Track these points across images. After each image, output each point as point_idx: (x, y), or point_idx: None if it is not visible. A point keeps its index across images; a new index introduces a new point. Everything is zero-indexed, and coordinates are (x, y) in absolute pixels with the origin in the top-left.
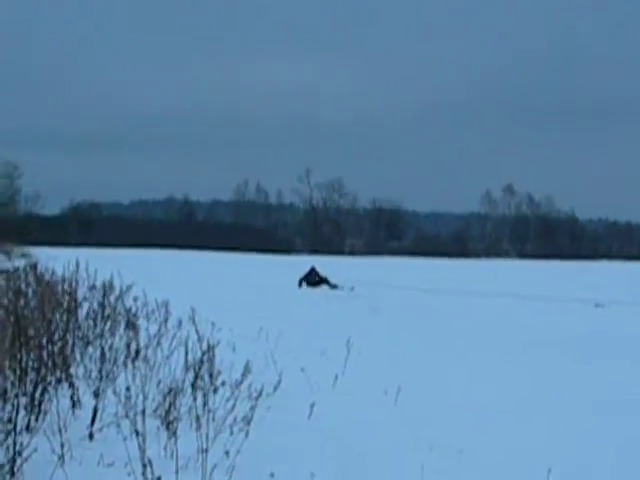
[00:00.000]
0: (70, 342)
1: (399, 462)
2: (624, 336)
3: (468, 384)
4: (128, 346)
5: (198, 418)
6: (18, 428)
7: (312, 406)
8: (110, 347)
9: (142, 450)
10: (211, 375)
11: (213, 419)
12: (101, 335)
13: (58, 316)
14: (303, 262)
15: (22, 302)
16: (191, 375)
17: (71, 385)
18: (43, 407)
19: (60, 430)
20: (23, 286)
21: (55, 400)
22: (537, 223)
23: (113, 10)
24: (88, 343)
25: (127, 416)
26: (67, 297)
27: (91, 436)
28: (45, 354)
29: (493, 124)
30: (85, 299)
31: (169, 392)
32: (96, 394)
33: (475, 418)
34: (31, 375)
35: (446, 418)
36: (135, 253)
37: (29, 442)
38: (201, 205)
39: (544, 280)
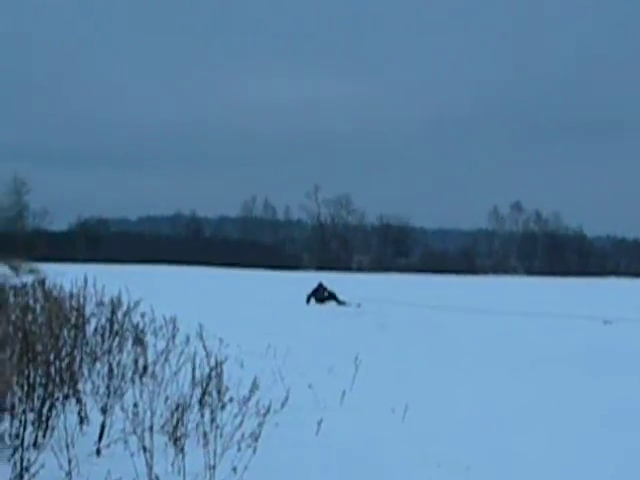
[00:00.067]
0: (78, 358)
1: (407, 479)
2: (632, 352)
3: (476, 401)
4: (136, 362)
5: (206, 434)
6: (25, 444)
7: (320, 423)
8: (118, 363)
9: (149, 466)
10: (219, 391)
11: (221, 435)
12: (109, 351)
13: (66, 332)
14: (311, 278)
15: (30, 318)
16: (199, 391)
17: (79, 401)
18: (50, 423)
19: (67, 446)
20: (31, 302)
21: (63, 416)
22: (545, 240)
23: (115, 21)
24: (96, 359)
25: (135, 432)
26: (75, 313)
27: (98, 452)
28: (53, 370)
29: (500, 140)
30: (93, 315)
31: (177, 408)
32: (104, 410)
33: (483, 435)
34: (39, 391)
35: (454, 435)
36: (143, 269)
37: (36, 458)
38: (209, 221)
39: (552, 297)
